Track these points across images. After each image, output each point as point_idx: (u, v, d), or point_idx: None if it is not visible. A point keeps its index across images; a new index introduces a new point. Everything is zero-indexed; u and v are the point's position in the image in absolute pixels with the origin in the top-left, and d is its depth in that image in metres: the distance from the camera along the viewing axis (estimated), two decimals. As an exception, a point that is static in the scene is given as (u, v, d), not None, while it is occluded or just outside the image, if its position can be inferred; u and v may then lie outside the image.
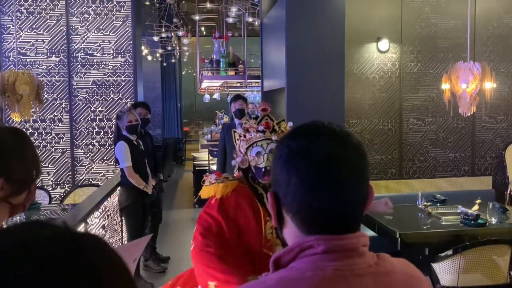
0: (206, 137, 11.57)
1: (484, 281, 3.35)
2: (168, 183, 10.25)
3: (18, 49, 5.93)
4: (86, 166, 6.20)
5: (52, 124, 6.13)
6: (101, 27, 6.15)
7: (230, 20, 8.55)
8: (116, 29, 6.18)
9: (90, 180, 6.15)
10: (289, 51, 4.40)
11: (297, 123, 1.02)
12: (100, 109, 6.18)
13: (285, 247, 0.92)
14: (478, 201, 4.25)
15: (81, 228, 3.38)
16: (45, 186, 5.84)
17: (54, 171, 6.15)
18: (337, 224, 0.89)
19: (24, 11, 6.04)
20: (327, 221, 0.89)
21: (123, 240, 4.89)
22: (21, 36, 6.01)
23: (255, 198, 2.17)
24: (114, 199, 4.71)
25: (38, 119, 6.02)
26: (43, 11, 6.06)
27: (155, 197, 4.92)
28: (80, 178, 6.19)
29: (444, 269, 3.34)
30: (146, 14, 10.64)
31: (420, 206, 4.38)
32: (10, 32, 5.99)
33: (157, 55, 12.20)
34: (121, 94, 6.20)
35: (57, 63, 6.11)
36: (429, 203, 4.39)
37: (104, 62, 6.17)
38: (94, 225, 3.93)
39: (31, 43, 6.06)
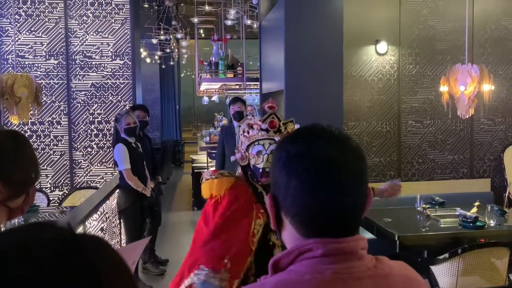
0: (204, 139, 11.56)
1: (483, 283, 3.35)
2: (167, 186, 10.24)
3: (17, 51, 5.92)
4: (85, 169, 6.19)
5: (51, 127, 6.12)
6: (99, 30, 6.15)
7: (229, 22, 8.56)
8: (115, 32, 6.17)
9: (89, 182, 6.14)
10: (288, 54, 4.40)
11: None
12: (98, 111, 6.17)
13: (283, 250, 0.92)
14: (476, 204, 4.25)
15: (79, 230, 3.37)
16: (44, 189, 5.83)
17: (53, 173, 6.14)
18: (336, 226, 0.89)
19: (23, 13, 6.03)
20: (326, 223, 0.89)
21: (122, 242, 4.89)
22: (19, 38, 6.01)
23: (254, 196, 2.10)
24: (112, 202, 4.71)
25: (36, 122, 6.01)
26: (41, 13, 6.05)
27: (153, 200, 4.92)
28: (79, 180, 6.18)
29: (442, 272, 3.34)
30: (144, 17, 10.64)
31: (418, 208, 4.38)
32: (9, 34, 5.98)
33: (156, 57, 12.22)
34: (119, 96, 6.19)
35: (55, 65, 6.10)
36: (427, 206, 4.39)
37: (103, 65, 6.17)
38: (93, 227, 3.93)
39: (29, 46, 6.06)
